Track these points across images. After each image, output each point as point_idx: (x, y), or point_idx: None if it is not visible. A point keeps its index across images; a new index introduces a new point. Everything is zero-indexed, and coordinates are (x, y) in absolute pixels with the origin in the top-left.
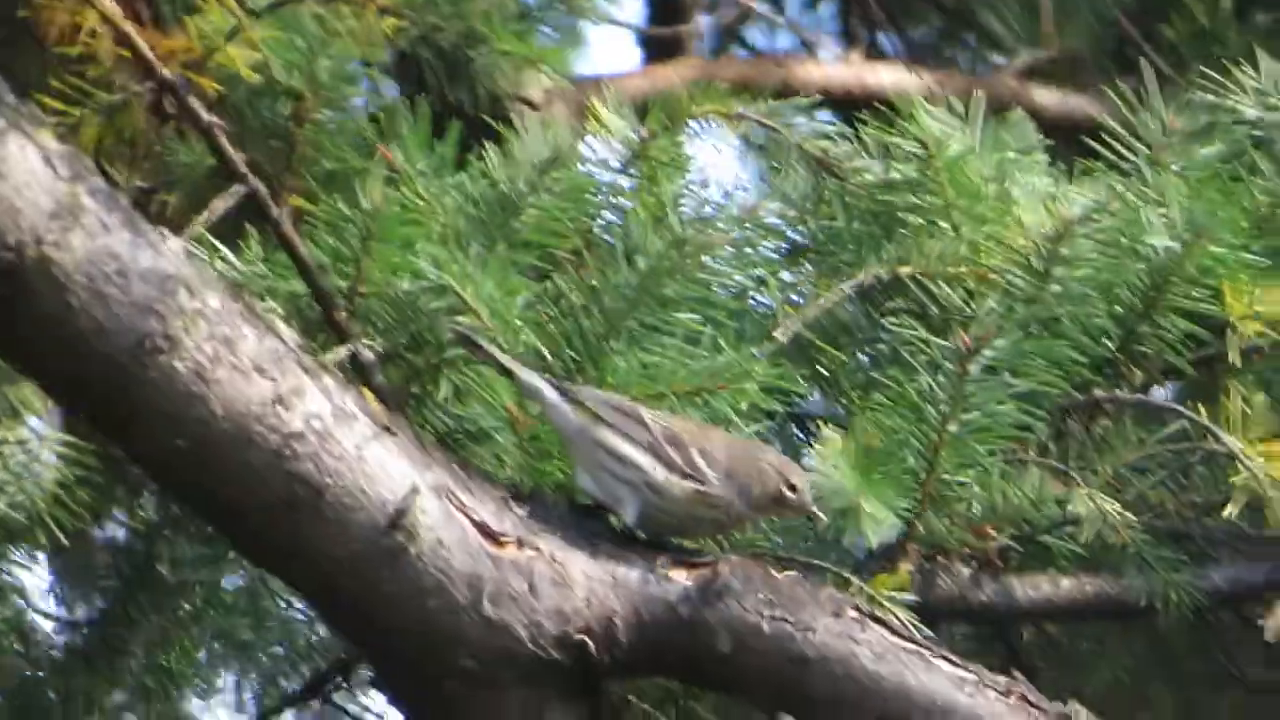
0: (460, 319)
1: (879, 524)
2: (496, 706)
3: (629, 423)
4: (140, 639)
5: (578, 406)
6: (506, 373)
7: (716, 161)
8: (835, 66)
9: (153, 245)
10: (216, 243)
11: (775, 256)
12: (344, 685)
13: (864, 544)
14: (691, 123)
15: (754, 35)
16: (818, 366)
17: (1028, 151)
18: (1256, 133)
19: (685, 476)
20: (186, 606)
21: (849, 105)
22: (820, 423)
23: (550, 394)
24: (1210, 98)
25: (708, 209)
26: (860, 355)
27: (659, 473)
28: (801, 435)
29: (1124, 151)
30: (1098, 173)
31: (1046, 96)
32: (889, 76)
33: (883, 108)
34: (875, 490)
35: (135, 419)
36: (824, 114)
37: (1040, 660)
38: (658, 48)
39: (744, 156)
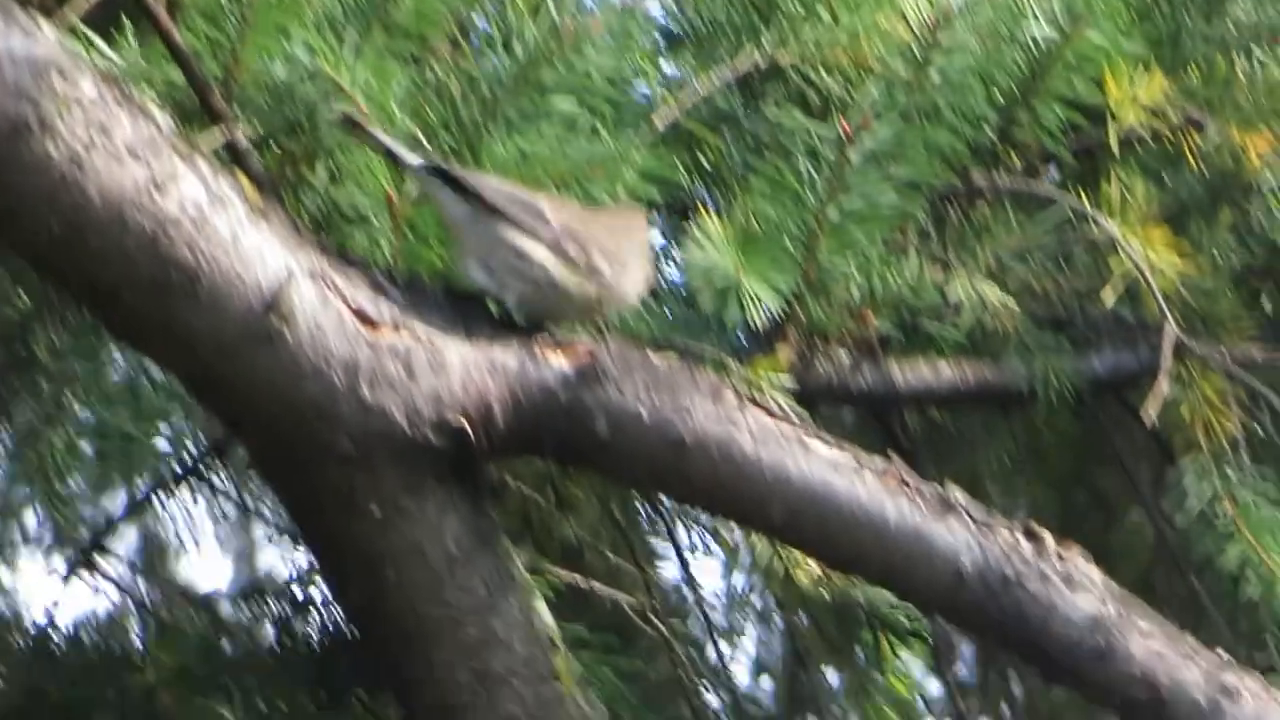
0: (336, 105)
1: (760, 302)
2: (373, 488)
3: (528, 216)
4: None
5: (471, 197)
6: (394, 159)
7: None
8: None
9: (26, 31)
10: (90, 33)
11: (654, 45)
12: (222, 467)
13: (744, 326)
14: None
15: None
16: (698, 155)
17: None
18: None
19: (587, 273)
20: (68, 394)
21: None
22: (700, 209)
23: (441, 185)
24: None
25: None
26: (740, 144)
27: (561, 270)
28: (682, 223)
29: None
30: None
31: None
32: None
33: None
34: (756, 269)
35: (9, 204)
36: None
37: (924, 445)
38: None
39: None
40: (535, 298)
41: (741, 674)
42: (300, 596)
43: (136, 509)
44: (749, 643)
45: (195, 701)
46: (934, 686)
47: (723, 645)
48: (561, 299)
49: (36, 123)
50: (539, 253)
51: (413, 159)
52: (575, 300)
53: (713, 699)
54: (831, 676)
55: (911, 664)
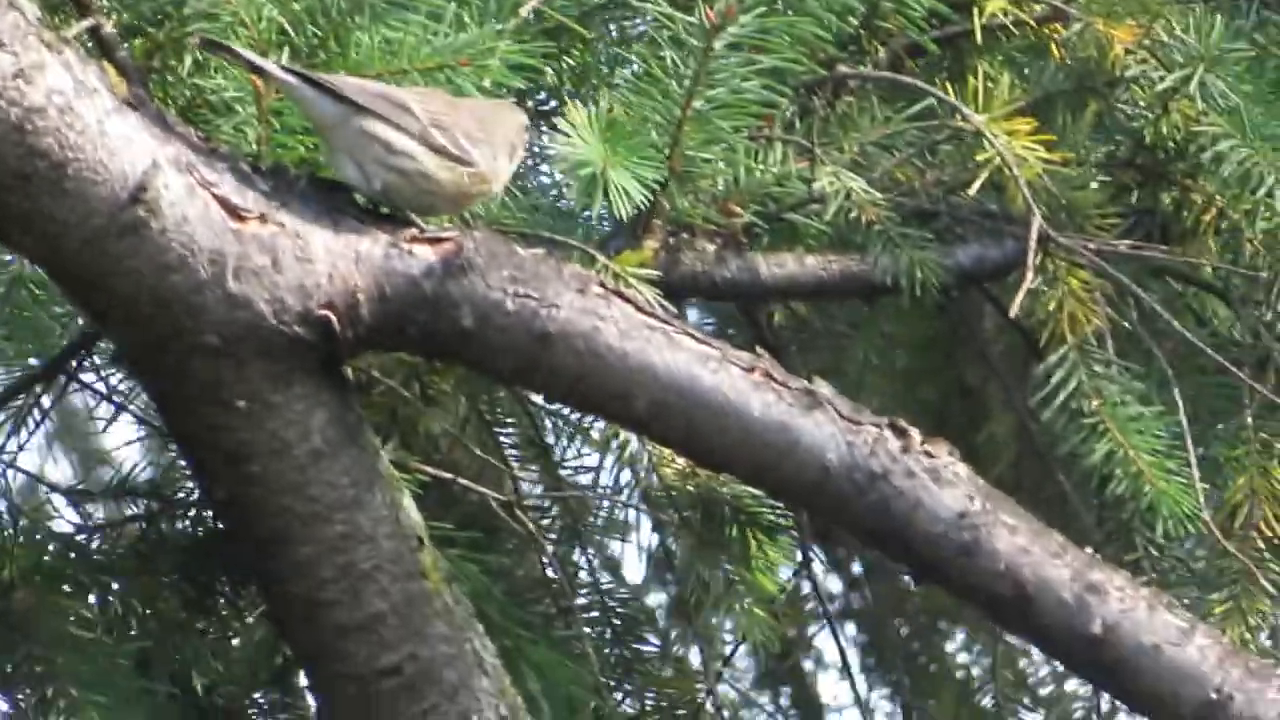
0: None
1: (626, 195)
2: (240, 381)
3: (397, 111)
4: None
5: (339, 99)
6: (258, 70)
7: None
8: None
9: None
10: None
11: None
12: (88, 361)
13: (610, 216)
14: None
15: None
16: (563, 45)
17: None
18: None
19: (455, 161)
20: None
21: None
22: (567, 101)
23: (308, 90)
24: None
25: None
26: (605, 33)
27: (430, 160)
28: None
29: None
30: None
31: None
32: None
33: None
34: (622, 160)
35: None
36: None
37: (792, 343)
38: None
39: None
40: (404, 188)
41: (607, 572)
42: (168, 492)
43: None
44: (616, 541)
45: (53, 600)
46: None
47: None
48: (431, 188)
49: None
50: (406, 143)
51: (274, 68)
52: (445, 189)
53: (578, 597)
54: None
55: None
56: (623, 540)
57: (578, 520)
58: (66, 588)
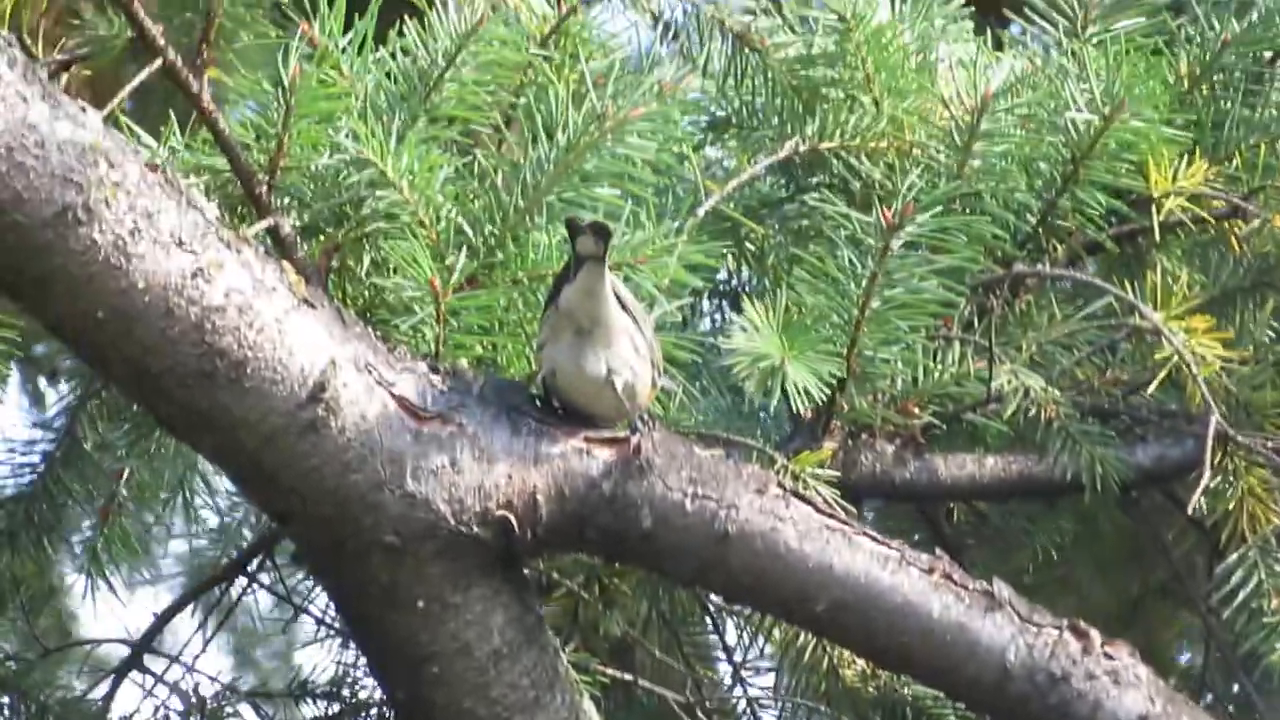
0: (380, 193)
1: (804, 389)
2: (419, 582)
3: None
4: (67, 519)
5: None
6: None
7: (636, 38)
8: None
9: (71, 117)
10: (134, 125)
11: (696, 132)
12: (268, 562)
13: (788, 416)
14: None
15: None
16: (744, 244)
17: (952, 19)
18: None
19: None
20: (124, 493)
21: None
22: (745, 297)
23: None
24: None
25: (627, 85)
26: (782, 231)
27: (646, 373)
28: (726, 312)
29: (1044, 25)
30: (1019, 44)
31: None
32: None
33: None
34: (800, 355)
35: (54, 290)
36: None
37: (970, 539)
38: None
39: (664, 33)
40: (629, 392)
41: None
42: (348, 694)
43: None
44: None
45: None
46: None
47: None
48: (635, 397)
49: (82, 208)
50: (643, 352)
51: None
52: (639, 400)
53: None
54: None
55: None
56: None
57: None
58: None
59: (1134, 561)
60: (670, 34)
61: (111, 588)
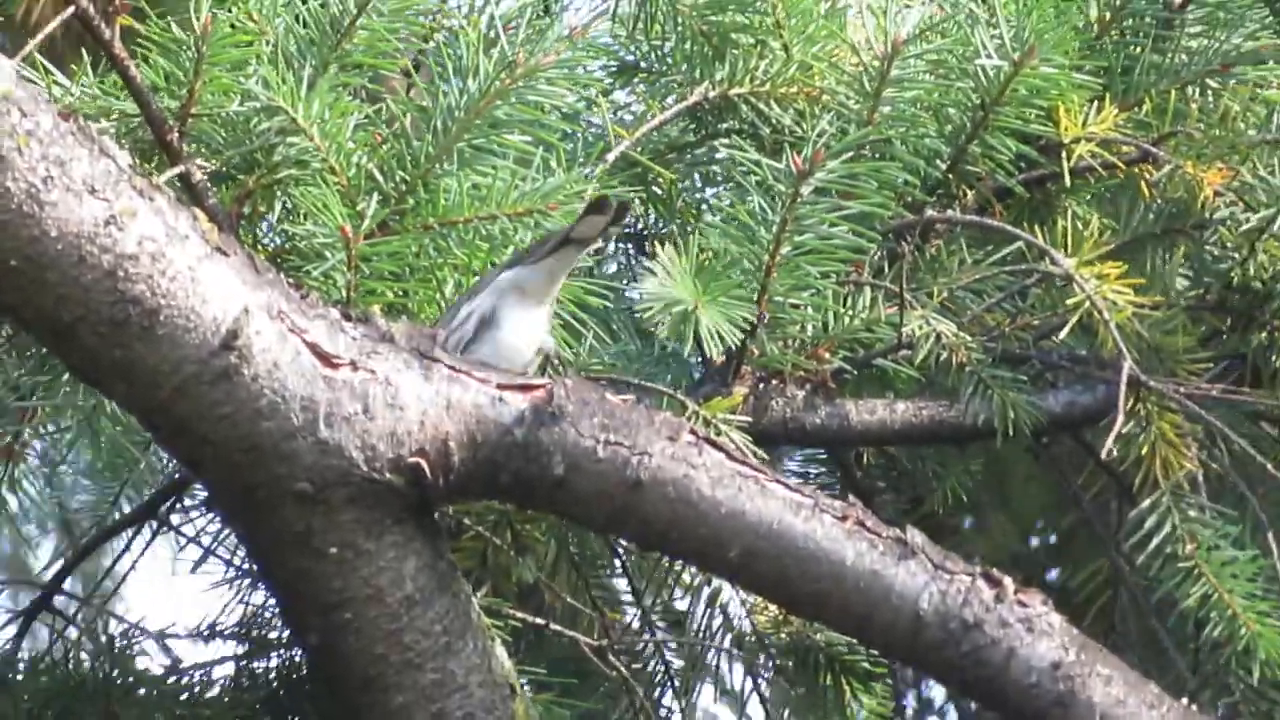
0: (291, 140)
1: (718, 335)
2: (332, 529)
3: None
4: None
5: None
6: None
7: None
8: None
9: None
10: (48, 64)
11: (605, 77)
12: (178, 507)
13: (699, 359)
14: None
15: None
16: (651, 188)
17: None
18: None
19: None
20: (28, 431)
21: None
22: (656, 242)
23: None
24: None
25: (537, 30)
26: (690, 176)
27: None
28: (636, 256)
29: None
30: None
31: None
32: None
33: None
34: (713, 301)
35: None
36: None
37: (881, 483)
38: None
39: None
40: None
41: (700, 716)
42: (257, 634)
43: (95, 547)
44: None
45: None
46: None
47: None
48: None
49: None
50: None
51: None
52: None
53: None
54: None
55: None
56: (714, 687)
57: (668, 664)
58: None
59: (1043, 507)
60: None
61: (17, 530)
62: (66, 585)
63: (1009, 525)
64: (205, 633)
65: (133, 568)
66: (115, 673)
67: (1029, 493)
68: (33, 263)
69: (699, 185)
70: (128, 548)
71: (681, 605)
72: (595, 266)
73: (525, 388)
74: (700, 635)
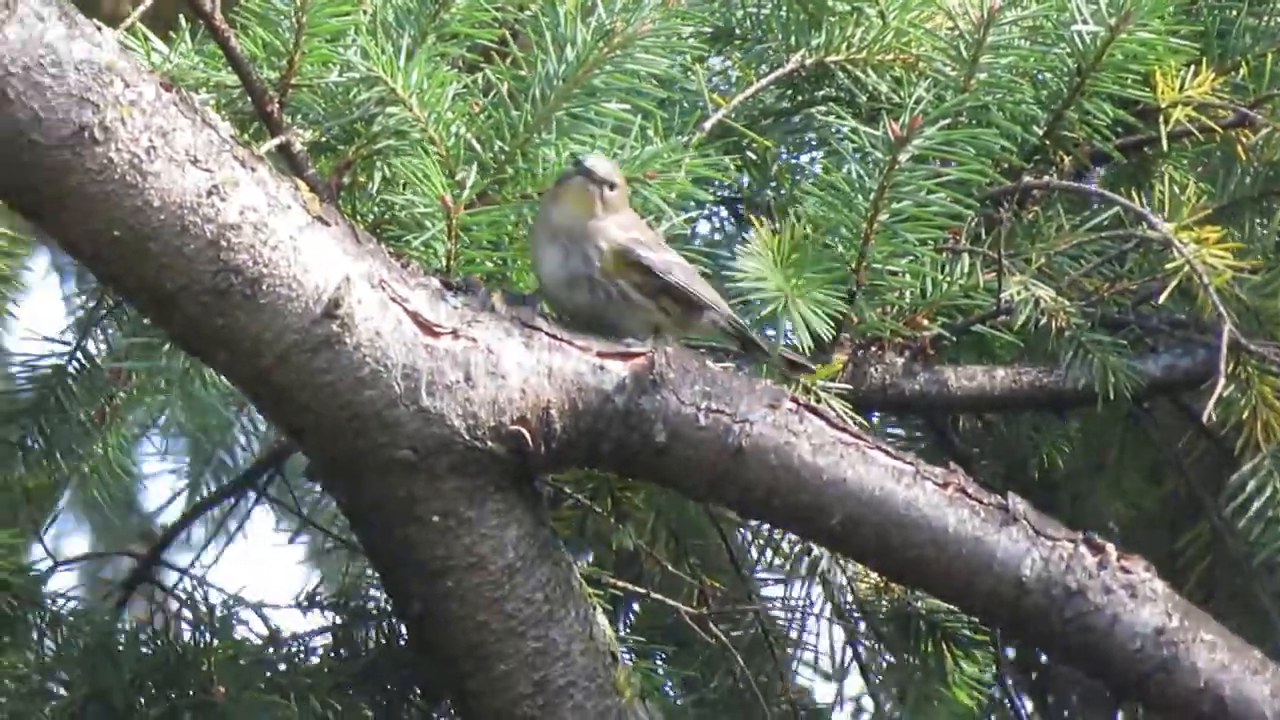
0: (391, 110)
1: (810, 325)
2: (434, 497)
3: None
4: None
5: None
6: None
7: None
8: None
9: (87, 37)
10: (149, 34)
11: (701, 45)
12: (278, 475)
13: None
14: None
15: None
16: (747, 154)
17: None
18: None
19: None
20: (121, 395)
21: None
22: (750, 211)
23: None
24: None
25: None
26: (788, 143)
27: None
28: (732, 221)
29: None
30: None
31: None
32: None
33: None
34: (806, 290)
35: (71, 208)
36: None
37: (978, 448)
38: None
39: None
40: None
41: (800, 683)
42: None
43: (194, 517)
44: (808, 653)
45: (252, 696)
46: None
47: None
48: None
49: (98, 127)
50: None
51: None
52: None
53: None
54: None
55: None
56: (815, 654)
57: (768, 632)
58: (261, 686)
59: (1144, 472)
60: None
61: (109, 495)
62: (165, 556)
63: (1109, 491)
64: (304, 602)
65: (231, 538)
66: (215, 643)
67: (1128, 458)
68: (135, 233)
69: (795, 152)
70: (227, 517)
71: (781, 573)
72: (690, 231)
73: (626, 355)
74: (800, 603)
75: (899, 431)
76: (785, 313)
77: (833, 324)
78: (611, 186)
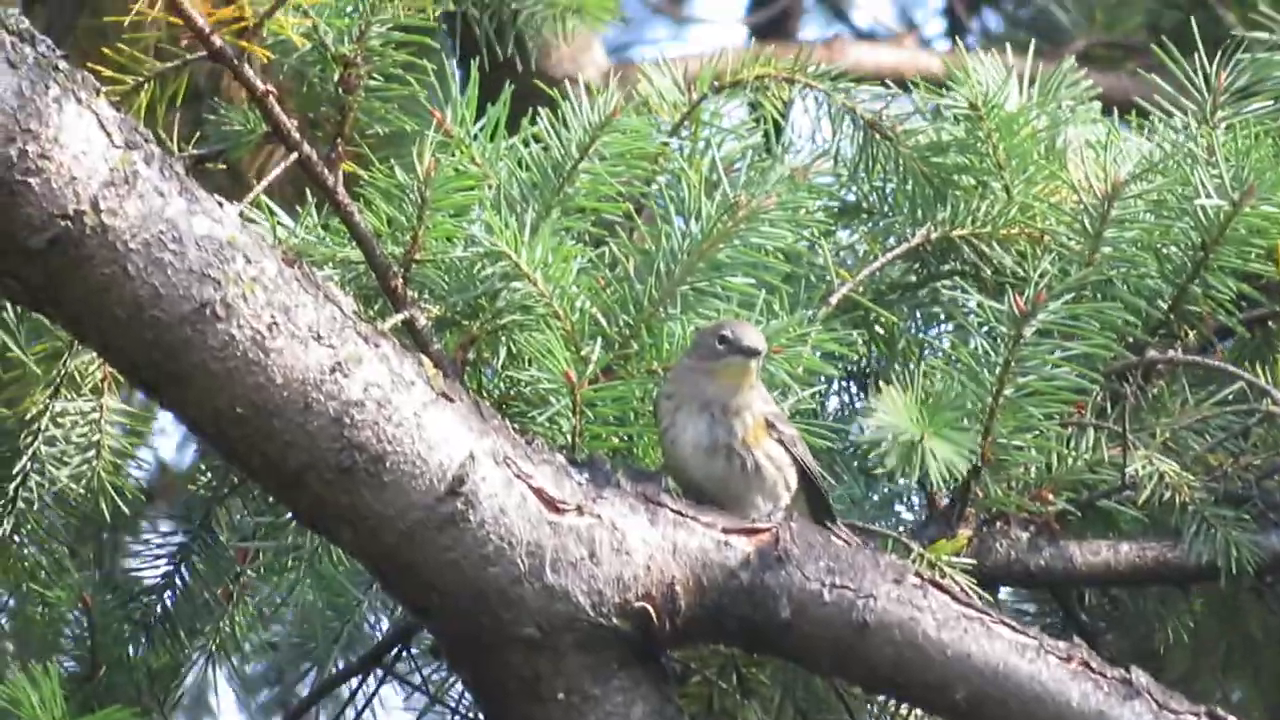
0: (515, 285)
1: (945, 463)
2: (558, 674)
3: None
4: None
5: None
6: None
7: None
8: (887, 49)
9: (208, 212)
10: (275, 207)
11: (827, 218)
12: (405, 653)
13: (923, 501)
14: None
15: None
16: (874, 328)
17: (1080, 100)
18: None
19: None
20: (249, 573)
21: (899, 85)
22: (877, 381)
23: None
24: (1261, 54)
25: (759, 172)
26: (914, 317)
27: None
28: (859, 395)
29: (1173, 109)
30: (1147, 128)
31: (1101, 79)
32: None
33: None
34: (940, 432)
35: (193, 385)
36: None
37: (1103, 622)
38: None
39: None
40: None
41: None
42: None
43: (323, 695)
44: None
45: None
46: None
47: None
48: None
49: (220, 304)
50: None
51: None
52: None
53: None
54: None
55: None
56: None
57: None
58: None
59: (1271, 650)
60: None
61: (236, 673)
62: None
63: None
64: None
65: (359, 716)
66: None
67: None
68: (258, 410)
69: (921, 326)
70: (354, 695)
71: None
72: (818, 407)
73: (751, 531)
74: None
75: (1028, 607)
76: (920, 452)
77: (965, 468)
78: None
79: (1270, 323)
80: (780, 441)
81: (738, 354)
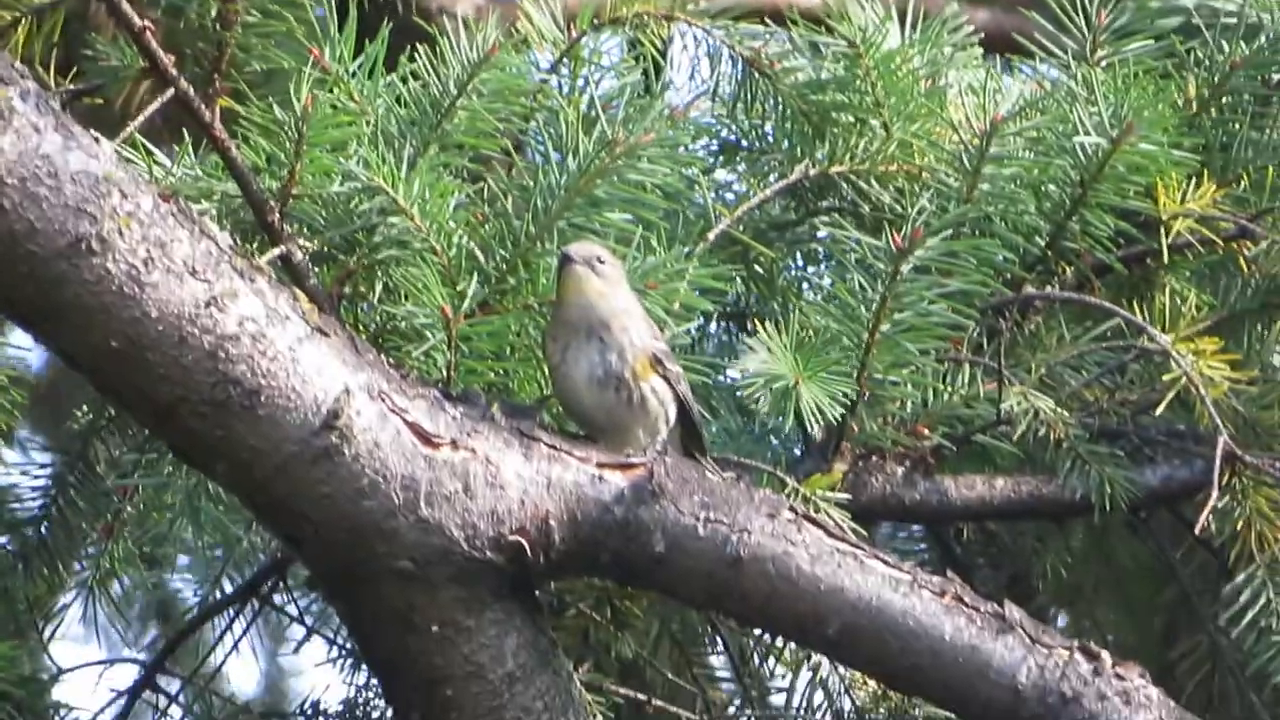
0: (392, 220)
1: (819, 409)
2: (433, 606)
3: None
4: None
5: None
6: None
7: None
8: None
9: (84, 148)
10: (149, 145)
11: (706, 156)
12: (281, 585)
13: (798, 439)
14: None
15: None
16: (752, 265)
17: (961, 46)
18: (1194, 21)
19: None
20: (128, 510)
21: (778, 22)
22: (755, 320)
23: None
24: None
25: (637, 110)
26: (791, 254)
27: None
28: (737, 333)
29: (1053, 49)
30: (1027, 69)
31: (981, 16)
32: None
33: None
34: (814, 377)
35: (68, 319)
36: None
37: (980, 558)
38: None
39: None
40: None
41: None
42: (360, 715)
43: (198, 626)
44: None
45: None
46: None
47: None
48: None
49: (96, 239)
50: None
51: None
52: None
53: None
54: None
55: None
56: None
57: None
58: None
59: (1141, 581)
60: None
61: (117, 607)
62: (169, 664)
63: (1108, 601)
64: (308, 712)
65: (235, 647)
66: None
67: (1127, 566)
68: (133, 344)
69: (800, 263)
70: (230, 626)
71: (782, 681)
72: (695, 344)
73: (625, 466)
74: (800, 711)
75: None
76: (793, 397)
77: (840, 411)
78: (601, 260)
79: (1148, 260)
80: (665, 378)
81: (561, 266)
